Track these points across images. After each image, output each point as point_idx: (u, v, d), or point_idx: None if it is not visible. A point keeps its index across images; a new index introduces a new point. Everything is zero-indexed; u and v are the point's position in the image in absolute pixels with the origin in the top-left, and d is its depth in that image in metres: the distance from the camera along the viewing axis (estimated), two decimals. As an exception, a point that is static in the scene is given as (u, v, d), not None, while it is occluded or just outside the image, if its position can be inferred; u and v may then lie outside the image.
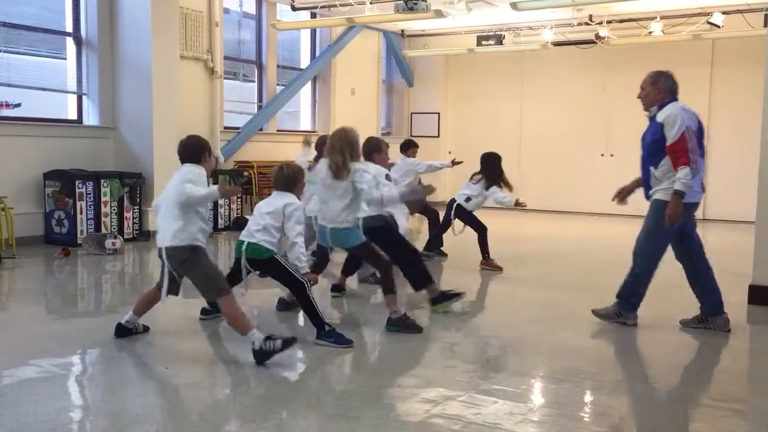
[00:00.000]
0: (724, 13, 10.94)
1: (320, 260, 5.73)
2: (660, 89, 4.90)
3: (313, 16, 12.30)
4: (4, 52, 8.50)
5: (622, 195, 5.23)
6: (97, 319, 5.48)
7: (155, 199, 4.76)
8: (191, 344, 4.80)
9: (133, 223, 9.06)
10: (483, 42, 13.23)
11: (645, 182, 5.03)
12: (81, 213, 8.47)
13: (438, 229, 8.04)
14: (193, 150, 4.56)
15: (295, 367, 4.37)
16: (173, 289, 4.57)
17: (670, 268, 7.66)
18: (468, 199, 7.69)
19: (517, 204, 7.50)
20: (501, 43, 13.09)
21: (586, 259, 8.59)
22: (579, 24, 12.31)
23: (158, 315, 5.10)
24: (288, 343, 4.21)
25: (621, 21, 12.19)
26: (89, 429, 3.32)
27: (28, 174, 8.52)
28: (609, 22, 12.04)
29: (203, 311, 5.22)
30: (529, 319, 5.50)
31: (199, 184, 4.40)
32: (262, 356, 4.14)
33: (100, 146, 9.33)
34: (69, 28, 9.28)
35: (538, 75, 13.89)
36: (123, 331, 4.66)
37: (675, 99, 4.92)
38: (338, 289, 6.07)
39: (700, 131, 4.92)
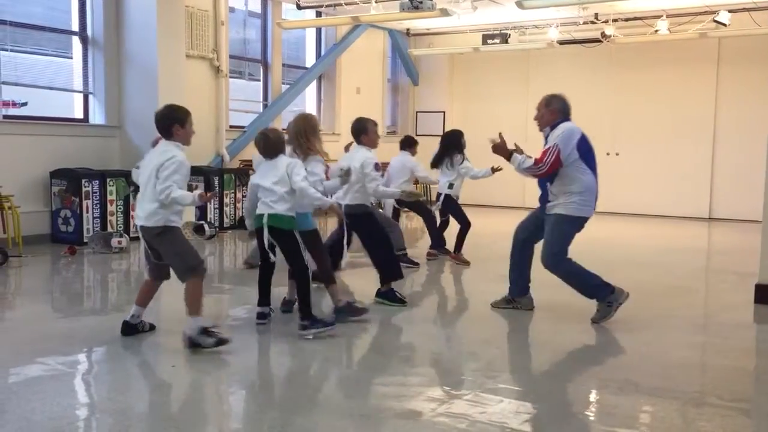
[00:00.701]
0: (730, 11, 10.89)
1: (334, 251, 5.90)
2: (553, 110, 5.24)
3: (319, 14, 12.30)
4: (11, 51, 8.53)
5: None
6: (104, 317, 5.50)
7: (137, 169, 4.68)
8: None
9: (139, 221, 9.06)
10: (488, 41, 13.20)
11: (543, 197, 5.39)
12: (87, 212, 8.49)
13: (439, 227, 8.05)
14: (161, 122, 4.44)
15: (299, 365, 4.37)
16: (159, 271, 4.58)
17: (672, 271, 7.66)
18: (451, 186, 7.71)
19: (494, 170, 7.68)
20: (506, 42, 13.06)
21: (591, 258, 8.50)
22: (585, 22, 12.28)
23: (164, 314, 5.12)
24: (220, 342, 4.33)
25: (627, 19, 12.15)
26: (95, 427, 3.33)
27: (34, 173, 8.54)
28: (615, 20, 12.00)
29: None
30: (534, 317, 5.49)
31: (181, 175, 4.35)
32: (191, 344, 4.32)
33: (106, 145, 9.35)
34: (75, 28, 9.30)
35: (543, 74, 13.85)
36: (129, 329, 4.66)
37: (567, 119, 5.25)
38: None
39: (587, 152, 5.19)
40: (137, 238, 8.66)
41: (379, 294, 5.79)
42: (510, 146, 5.22)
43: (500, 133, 5.30)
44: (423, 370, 4.26)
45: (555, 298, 5.98)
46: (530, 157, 5.17)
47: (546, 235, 5.26)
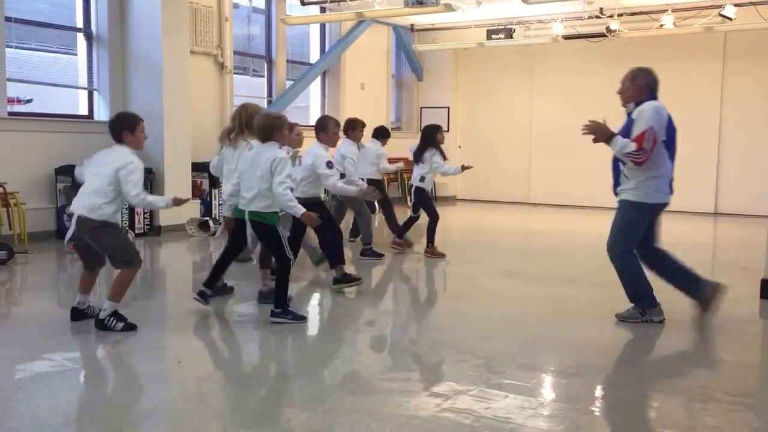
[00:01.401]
0: (736, 5, 10.84)
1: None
2: (638, 86, 4.90)
3: (323, 10, 12.28)
4: (16, 48, 8.54)
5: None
6: (109, 313, 5.51)
7: (81, 165, 4.96)
8: (203, 339, 4.82)
9: (144, 218, 9.09)
10: (493, 36, 13.17)
11: (615, 178, 5.04)
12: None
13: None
14: (114, 126, 4.78)
15: (303, 361, 4.38)
16: (93, 262, 4.79)
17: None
18: (422, 179, 7.75)
19: (464, 168, 7.79)
20: (511, 37, 13.03)
21: (597, 254, 8.50)
22: (590, 17, 12.23)
23: (169, 310, 5.13)
24: (128, 328, 4.59)
25: (632, 14, 12.11)
26: (102, 422, 3.34)
27: (39, 169, 8.57)
28: (620, 15, 11.96)
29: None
30: (540, 313, 5.49)
31: (139, 178, 4.59)
32: (100, 325, 4.57)
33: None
34: (80, 24, 9.31)
35: (548, 69, 13.83)
36: (78, 314, 4.85)
37: (653, 97, 4.90)
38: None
39: (671, 133, 4.91)
40: (142, 235, 8.82)
41: (335, 281, 5.97)
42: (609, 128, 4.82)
43: (604, 117, 4.90)
44: (427, 365, 4.25)
45: (561, 292, 5.98)
46: (633, 142, 4.71)
47: (613, 222, 5.00)
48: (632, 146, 4.69)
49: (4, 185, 7.82)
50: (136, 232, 8.72)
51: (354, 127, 7.87)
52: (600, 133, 4.77)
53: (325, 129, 6.20)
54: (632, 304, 5.10)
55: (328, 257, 6.14)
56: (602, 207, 13.19)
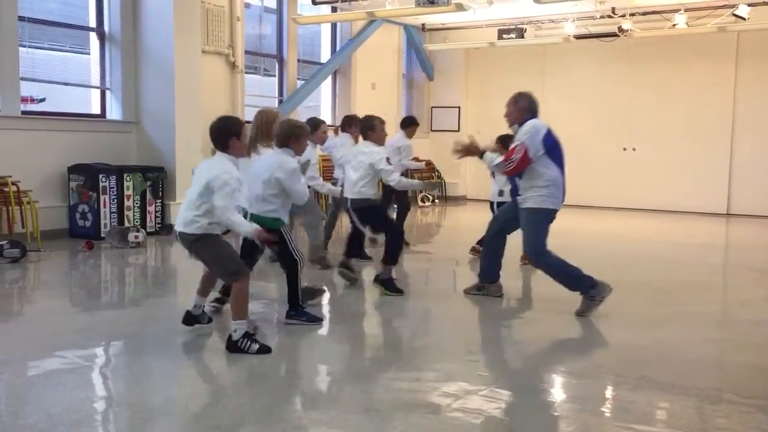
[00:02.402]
0: (749, 4, 10.76)
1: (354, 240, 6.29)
2: (519, 108, 5.44)
3: (334, 10, 12.28)
4: (29, 47, 8.60)
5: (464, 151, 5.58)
6: (121, 311, 5.55)
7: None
8: (214, 337, 4.84)
9: (156, 216, 9.13)
10: (504, 35, 13.14)
11: (513, 191, 5.68)
12: (104, 207, 8.56)
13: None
14: (218, 135, 4.32)
15: (314, 360, 4.39)
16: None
17: (689, 267, 7.61)
18: (501, 193, 7.65)
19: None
20: (522, 37, 13.00)
21: (606, 254, 8.52)
22: (601, 17, 12.17)
23: (181, 308, 5.15)
24: (262, 350, 4.25)
25: (644, 13, 12.04)
26: (113, 419, 3.37)
27: (52, 168, 8.62)
28: (632, 14, 11.90)
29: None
30: (549, 313, 5.47)
31: (232, 190, 4.22)
32: (233, 348, 4.25)
33: (123, 140, 9.41)
34: (92, 24, 9.36)
35: (559, 69, 13.78)
36: (190, 319, 4.70)
37: (533, 117, 5.43)
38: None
39: (551, 146, 5.34)
40: (153, 233, 8.86)
41: (376, 279, 6.02)
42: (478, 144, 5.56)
43: (470, 135, 5.55)
44: (437, 365, 4.25)
45: (569, 292, 5.95)
46: (500, 156, 5.46)
47: (523, 232, 5.50)
48: (499, 160, 5.42)
49: (17, 183, 7.89)
50: (148, 230, 8.76)
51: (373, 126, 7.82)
52: (470, 152, 5.52)
53: (372, 128, 6.13)
54: (582, 297, 5.33)
55: (386, 255, 5.97)
56: (611, 207, 13.19)
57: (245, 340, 4.23)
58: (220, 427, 3.20)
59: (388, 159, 6.03)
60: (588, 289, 5.26)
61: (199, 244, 4.32)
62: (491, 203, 7.86)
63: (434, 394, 3.67)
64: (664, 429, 3.35)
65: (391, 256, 5.93)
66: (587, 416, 3.43)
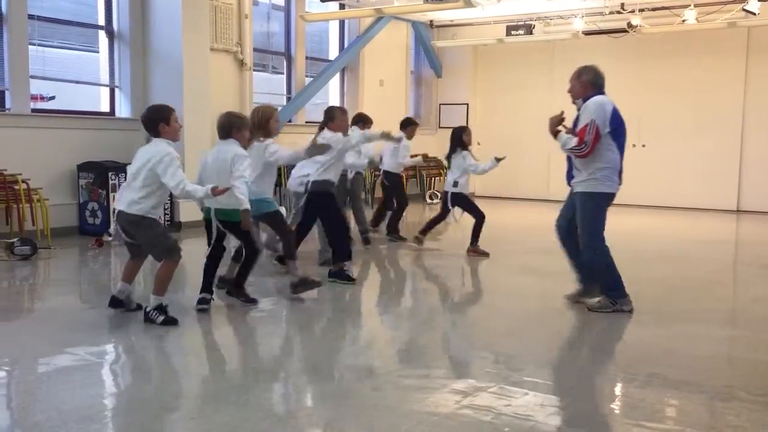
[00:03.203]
0: (760, 0, 10.69)
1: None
2: (583, 83, 5.18)
3: (342, 7, 12.29)
4: (39, 45, 8.63)
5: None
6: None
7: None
8: (222, 333, 4.85)
9: (165, 214, 9.15)
10: (512, 32, 13.10)
11: (569, 170, 5.33)
12: (114, 204, 8.58)
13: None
14: (147, 122, 4.78)
15: (323, 357, 4.39)
16: (138, 251, 4.90)
17: (700, 263, 7.58)
18: (456, 184, 7.70)
19: (498, 160, 7.72)
20: (531, 33, 12.95)
21: (616, 251, 8.46)
22: (611, 12, 12.14)
23: (189, 305, 5.16)
24: (168, 322, 4.65)
25: (654, 9, 11.98)
26: (123, 416, 3.38)
27: (62, 166, 8.66)
28: (641, 10, 11.84)
29: (220, 279, 5.53)
30: (560, 310, 5.46)
31: (177, 167, 4.63)
32: (146, 318, 4.68)
33: (133, 138, 9.40)
34: (101, 22, 9.39)
35: (568, 65, 13.50)
36: (116, 302, 4.97)
37: (600, 92, 5.16)
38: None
39: (617, 125, 5.11)
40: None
41: (330, 274, 6.11)
42: (567, 124, 5.19)
43: (562, 111, 5.24)
44: (447, 362, 4.25)
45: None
46: (573, 137, 5.08)
47: (578, 218, 5.25)
48: (573, 141, 5.04)
49: (27, 181, 7.93)
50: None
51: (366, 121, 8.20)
52: (551, 125, 5.19)
53: (332, 118, 6.40)
54: (603, 295, 5.27)
55: (335, 254, 6.17)
56: (621, 204, 13.11)
57: (155, 311, 4.66)
58: (229, 423, 3.21)
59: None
60: (616, 296, 5.22)
61: (137, 226, 4.67)
62: (445, 194, 7.87)
63: (443, 391, 3.66)
64: (674, 426, 3.33)
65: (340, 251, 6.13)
66: (597, 413, 3.42)
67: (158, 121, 4.73)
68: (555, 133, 5.18)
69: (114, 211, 4.86)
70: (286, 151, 5.73)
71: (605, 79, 5.22)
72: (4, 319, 5.10)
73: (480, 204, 8.00)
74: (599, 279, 5.31)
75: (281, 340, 4.71)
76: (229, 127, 5.05)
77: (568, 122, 5.23)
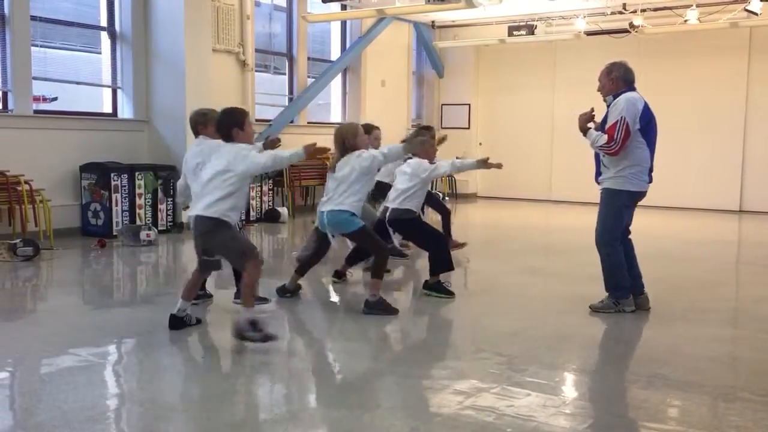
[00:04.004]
0: (761, 0, 10.68)
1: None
2: (613, 79, 5.11)
3: (344, 8, 12.30)
4: (41, 46, 8.65)
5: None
6: (133, 309, 5.57)
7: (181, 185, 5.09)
8: (226, 334, 4.85)
9: (167, 215, 9.17)
10: (514, 32, 13.10)
11: (597, 167, 5.25)
12: (116, 205, 8.60)
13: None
14: (220, 126, 4.54)
15: (327, 359, 4.39)
16: (208, 266, 4.58)
17: (702, 264, 7.57)
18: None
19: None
20: (533, 33, 12.94)
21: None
22: (612, 13, 12.13)
23: (193, 306, 5.16)
24: (267, 338, 4.25)
25: (655, 9, 11.97)
26: (126, 416, 3.38)
27: (64, 167, 8.67)
28: (643, 10, 11.83)
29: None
30: (561, 310, 5.46)
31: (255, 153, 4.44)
32: (238, 335, 4.28)
33: (135, 139, 9.45)
34: (104, 23, 9.40)
35: (570, 65, 13.72)
36: (177, 323, 4.66)
37: (631, 89, 5.09)
38: (339, 275, 6.20)
39: (648, 123, 5.06)
40: (165, 231, 8.89)
41: (426, 285, 5.89)
42: (594, 120, 5.13)
43: (592, 108, 5.17)
44: (449, 363, 4.25)
45: (583, 290, 5.94)
46: (602, 134, 5.00)
47: (598, 212, 5.22)
48: (603, 139, 4.95)
49: (29, 182, 7.94)
50: (159, 228, 8.80)
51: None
52: (581, 121, 5.10)
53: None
54: (607, 295, 5.28)
55: (433, 267, 5.85)
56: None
57: (248, 326, 4.25)
58: (232, 423, 3.21)
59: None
60: (619, 296, 5.22)
61: (212, 231, 4.36)
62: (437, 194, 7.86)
63: (446, 391, 3.66)
64: (677, 427, 3.33)
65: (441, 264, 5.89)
66: (600, 414, 3.42)
67: (232, 125, 4.46)
68: (584, 131, 5.09)
69: (188, 220, 4.55)
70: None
71: (635, 74, 5.14)
72: (6, 320, 5.11)
73: (482, 204, 8.02)
74: (606, 277, 5.28)
75: (283, 340, 4.71)
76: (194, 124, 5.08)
77: (598, 118, 5.18)
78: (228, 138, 4.47)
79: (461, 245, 7.62)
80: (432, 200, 7.80)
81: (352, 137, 5.23)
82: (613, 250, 5.19)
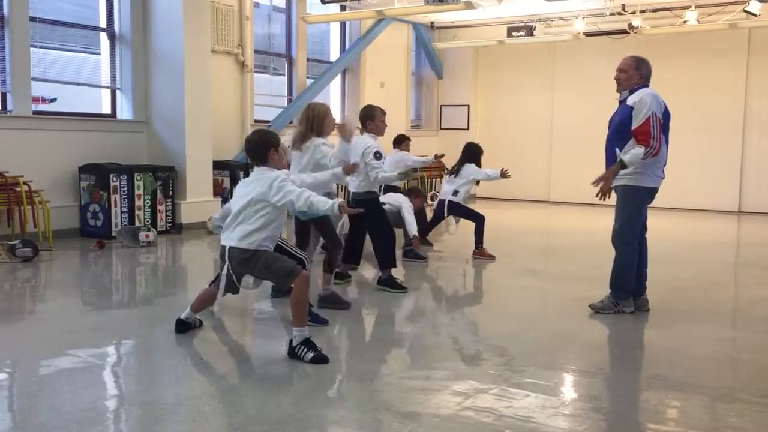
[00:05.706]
0: (760, 1, 10.69)
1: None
2: (641, 74, 5.11)
3: (343, 9, 12.29)
4: (40, 47, 8.64)
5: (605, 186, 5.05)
6: (132, 310, 5.57)
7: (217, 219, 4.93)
8: (226, 335, 4.85)
9: (166, 215, 9.17)
10: (513, 33, 13.11)
11: (608, 162, 5.17)
12: (115, 206, 8.60)
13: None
14: (258, 147, 4.28)
15: (324, 359, 4.38)
16: (231, 289, 4.43)
17: (701, 265, 7.58)
18: (455, 193, 7.75)
19: (504, 175, 7.59)
20: (532, 34, 12.96)
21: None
22: (611, 14, 12.14)
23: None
24: (318, 359, 4.11)
25: (655, 10, 11.99)
26: (125, 418, 3.38)
27: (63, 168, 8.67)
28: (642, 11, 11.85)
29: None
30: (561, 312, 5.46)
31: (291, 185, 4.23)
32: (292, 354, 4.17)
33: (134, 140, 9.45)
34: (103, 24, 9.40)
35: (569, 66, 13.73)
36: (183, 326, 4.64)
37: (647, 85, 5.13)
38: (341, 276, 6.18)
39: (665, 119, 5.06)
40: (164, 232, 8.89)
41: (379, 281, 6.01)
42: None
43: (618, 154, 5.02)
44: (448, 364, 4.25)
45: (582, 291, 5.94)
46: (638, 147, 4.87)
47: (616, 209, 5.20)
48: (640, 150, 4.87)
49: (28, 183, 7.94)
50: (158, 229, 8.79)
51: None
52: (609, 180, 4.99)
53: (372, 118, 6.00)
54: (608, 295, 5.28)
55: (380, 262, 5.98)
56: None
57: (301, 347, 4.14)
58: (230, 425, 3.21)
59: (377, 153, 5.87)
60: (620, 297, 5.23)
61: (249, 261, 4.21)
62: (441, 201, 7.90)
63: (445, 392, 3.66)
64: (676, 428, 3.33)
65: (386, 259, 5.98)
66: (599, 415, 3.42)
67: (269, 146, 4.24)
68: (620, 169, 4.96)
69: (226, 254, 4.27)
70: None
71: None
72: (5, 321, 5.11)
73: (481, 205, 8.02)
74: (613, 274, 5.24)
75: (282, 341, 4.71)
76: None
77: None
78: (264, 161, 4.26)
79: (491, 257, 7.62)
80: (462, 210, 7.85)
81: (321, 117, 5.26)
82: (631, 249, 5.16)
